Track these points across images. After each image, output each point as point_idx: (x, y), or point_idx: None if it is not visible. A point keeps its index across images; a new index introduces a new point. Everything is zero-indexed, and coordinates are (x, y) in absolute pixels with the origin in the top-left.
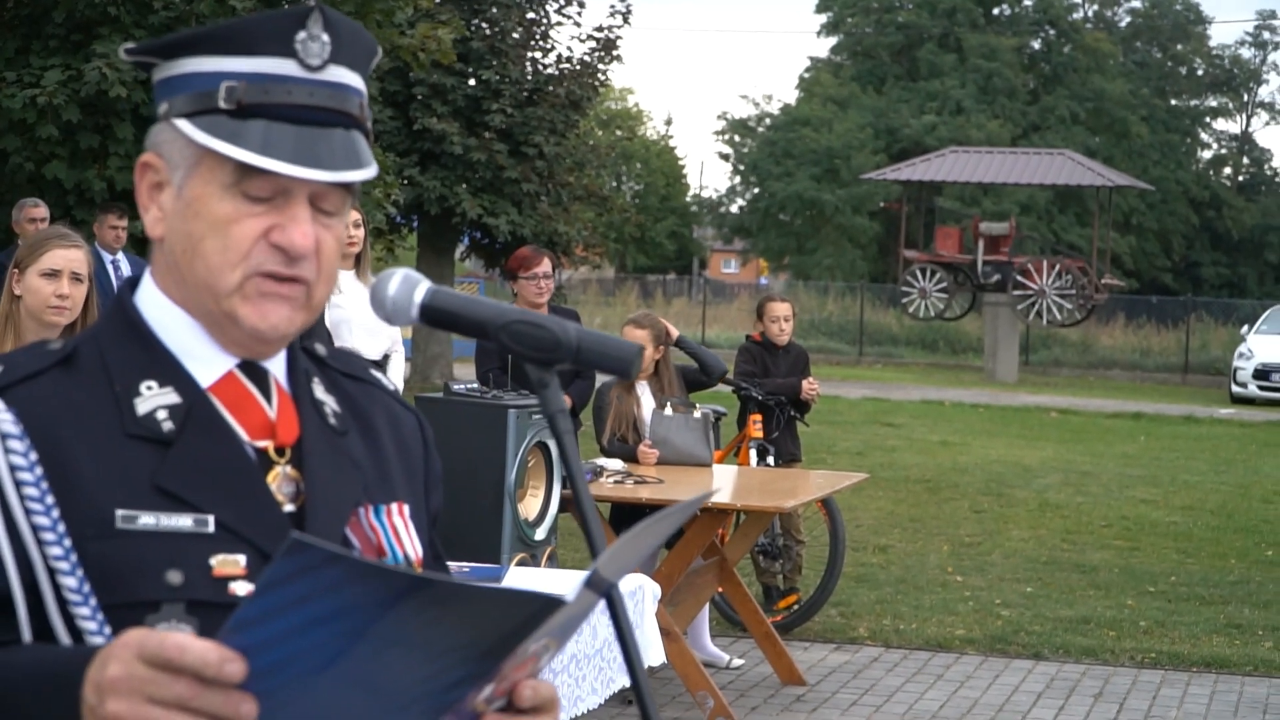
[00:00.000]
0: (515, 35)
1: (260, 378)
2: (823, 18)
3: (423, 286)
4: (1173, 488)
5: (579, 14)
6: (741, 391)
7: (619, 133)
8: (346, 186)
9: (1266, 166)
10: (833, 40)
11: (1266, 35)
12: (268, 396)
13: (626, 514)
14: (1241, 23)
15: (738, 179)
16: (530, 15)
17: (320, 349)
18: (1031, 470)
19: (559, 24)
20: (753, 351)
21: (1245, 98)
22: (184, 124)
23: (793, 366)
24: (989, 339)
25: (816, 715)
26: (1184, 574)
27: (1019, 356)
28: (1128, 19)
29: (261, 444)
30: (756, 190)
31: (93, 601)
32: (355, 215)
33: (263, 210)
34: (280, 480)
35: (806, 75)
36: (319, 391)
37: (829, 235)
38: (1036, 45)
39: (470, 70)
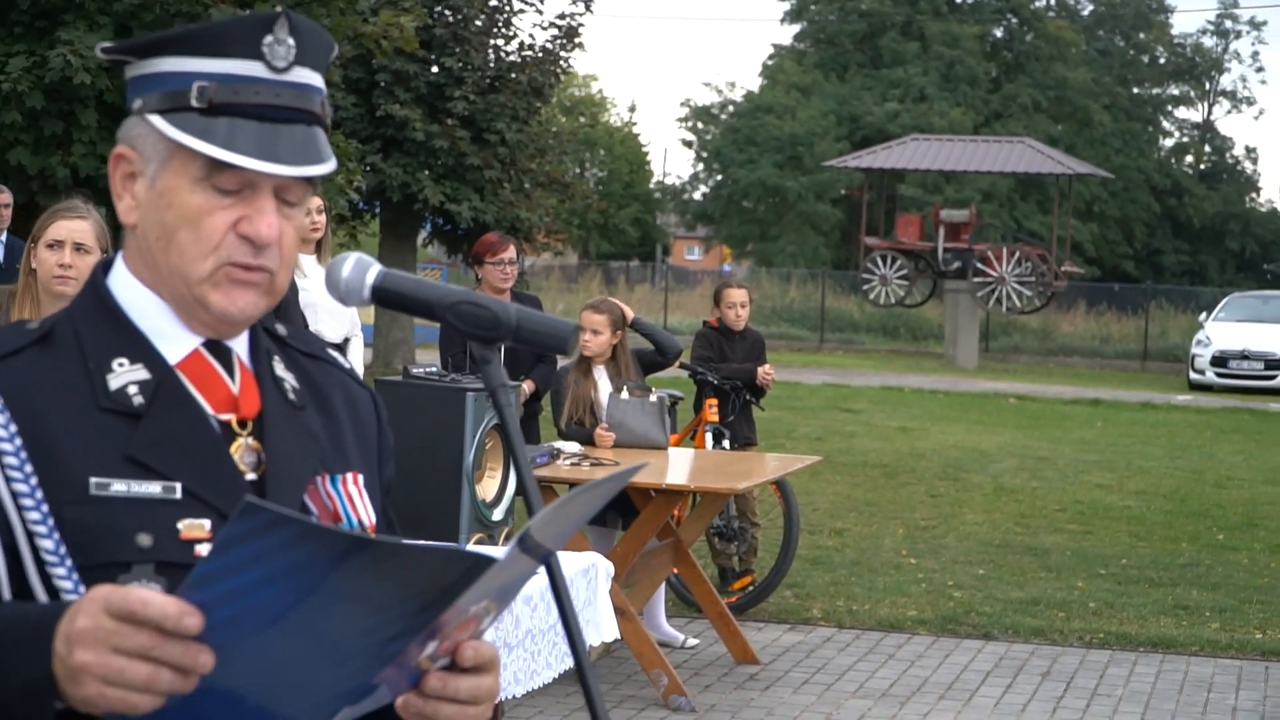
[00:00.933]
0: (478, 22)
1: (224, 355)
2: (786, 5)
3: (374, 269)
4: (1128, 473)
5: (541, 1)
6: (698, 376)
7: (582, 119)
8: (308, 179)
9: (1228, 155)
10: (796, 28)
11: (1229, 24)
12: (231, 373)
13: None
14: (1204, 11)
15: (701, 166)
16: (493, 2)
17: (281, 329)
18: (988, 455)
19: (521, 11)
20: (710, 337)
21: (1207, 86)
22: (158, 120)
23: (749, 352)
24: (949, 326)
25: (769, 694)
26: (1135, 557)
27: (979, 343)
28: (1090, 7)
29: (225, 417)
30: (720, 177)
31: (69, 563)
32: (318, 201)
33: (231, 202)
34: (243, 451)
35: (770, 63)
36: (279, 369)
37: (791, 222)
38: (999, 33)
39: (433, 57)
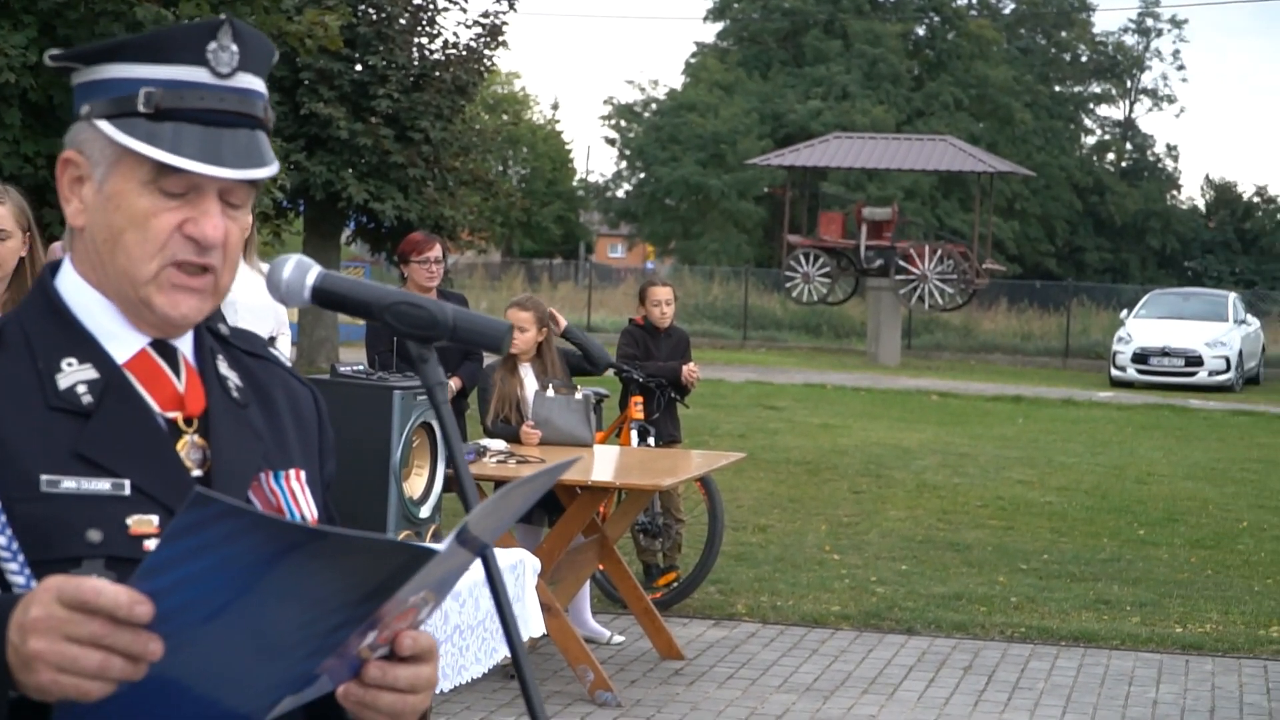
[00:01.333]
0: (402, 21)
1: (170, 355)
2: (709, 3)
3: (314, 271)
4: (1049, 469)
5: (465, 0)
6: (623, 374)
7: (505, 117)
8: (252, 182)
9: (1149, 152)
10: (719, 25)
11: (1150, 22)
12: (177, 372)
13: None
14: (1125, 10)
15: (624, 164)
16: (417, 1)
17: (223, 328)
18: (910, 452)
19: (445, 10)
20: (635, 335)
21: (1128, 84)
22: (105, 125)
23: (674, 350)
24: (872, 323)
25: (694, 689)
26: (1056, 552)
27: (901, 340)
28: (1012, 6)
29: (171, 415)
30: (643, 175)
31: (21, 558)
32: None
33: (177, 205)
34: (189, 448)
35: (693, 60)
36: (223, 367)
37: (715, 220)
38: (921, 31)
39: (357, 56)
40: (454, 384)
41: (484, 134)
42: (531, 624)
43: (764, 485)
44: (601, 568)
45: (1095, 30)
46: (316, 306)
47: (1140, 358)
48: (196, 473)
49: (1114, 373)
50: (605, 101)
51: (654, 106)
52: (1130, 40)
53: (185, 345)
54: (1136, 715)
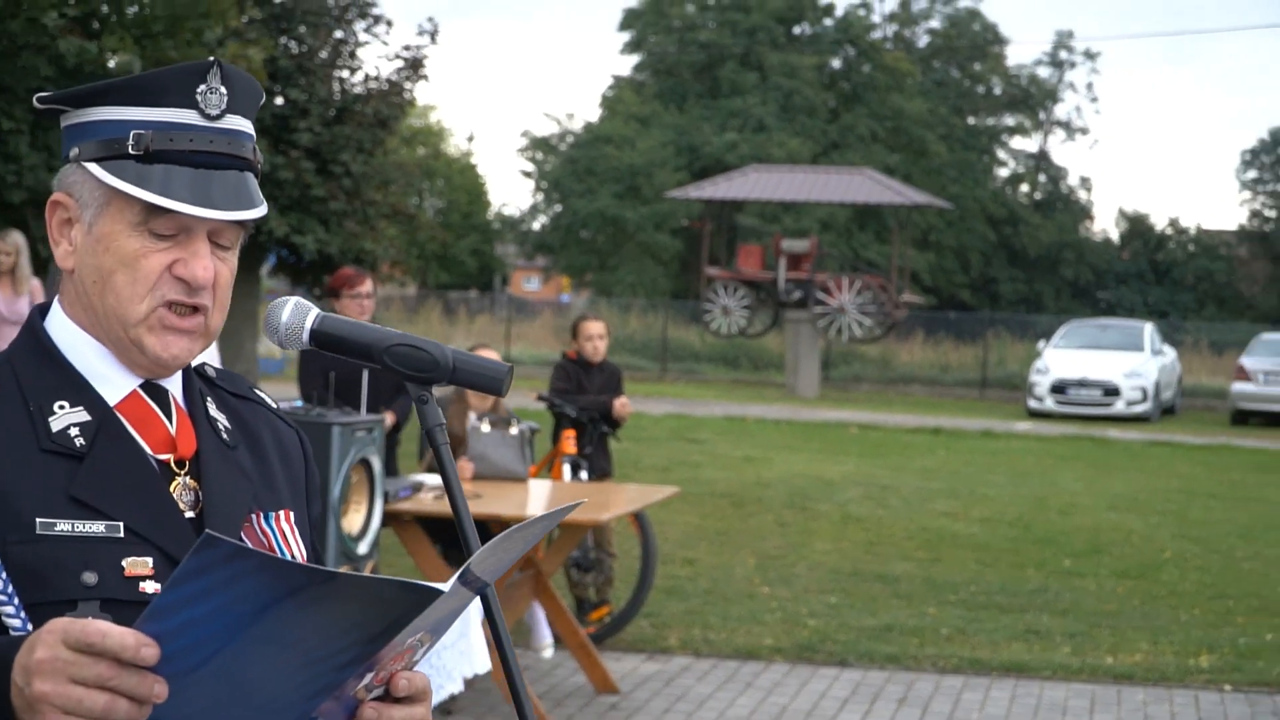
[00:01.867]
0: (323, 55)
1: (161, 397)
2: (625, 36)
3: (312, 314)
4: (972, 500)
5: (386, 33)
6: (556, 408)
7: (421, 150)
8: (240, 223)
9: (1062, 184)
10: (635, 58)
11: (1064, 54)
12: (168, 414)
13: (441, 528)
14: (1039, 43)
15: (540, 196)
16: (338, 34)
17: (210, 370)
18: (833, 484)
19: (366, 43)
20: (567, 369)
21: (1042, 116)
22: (95, 168)
23: (606, 384)
24: (790, 355)
25: None
26: (983, 583)
27: (820, 372)
28: (927, 39)
29: (163, 457)
30: (559, 208)
31: (16, 601)
32: None
33: (167, 246)
34: (181, 490)
35: (609, 93)
36: (212, 409)
37: (631, 252)
38: (837, 64)
39: (278, 89)
40: (389, 419)
41: (405, 167)
42: (477, 660)
43: (690, 518)
44: (536, 602)
45: (1009, 63)
46: (317, 349)
47: (1058, 388)
48: (189, 514)
49: (1032, 404)
50: (521, 134)
51: (570, 139)
52: (1044, 73)
53: (175, 387)
54: None
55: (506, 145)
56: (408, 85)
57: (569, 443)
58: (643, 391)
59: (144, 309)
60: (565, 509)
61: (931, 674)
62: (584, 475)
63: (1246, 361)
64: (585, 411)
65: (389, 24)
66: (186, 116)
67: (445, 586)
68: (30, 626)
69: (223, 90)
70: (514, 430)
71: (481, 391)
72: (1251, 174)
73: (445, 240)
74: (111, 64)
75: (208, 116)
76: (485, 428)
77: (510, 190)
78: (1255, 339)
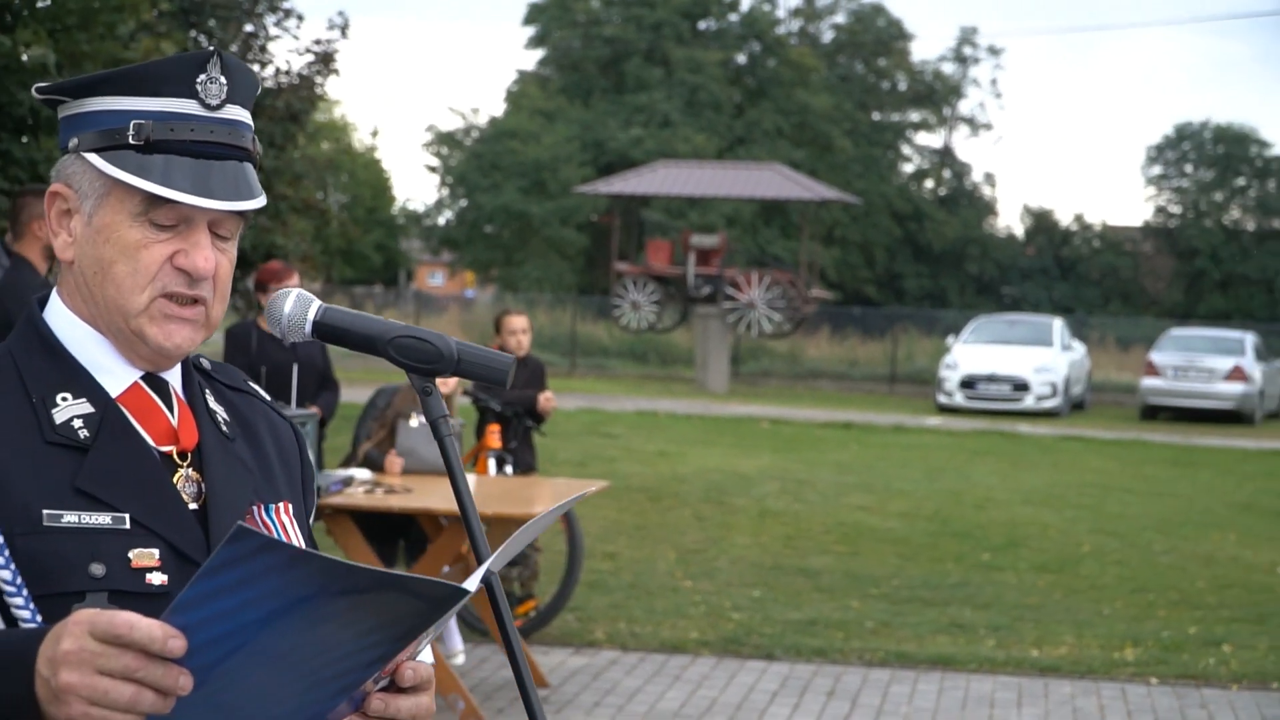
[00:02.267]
0: (233, 48)
1: (161, 388)
2: (530, 31)
3: (314, 305)
4: (887, 494)
5: (297, 27)
6: (480, 402)
7: (326, 145)
8: (241, 214)
9: (967, 180)
10: (540, 53)
11: (968, 50)
12: (169, 406)
13: (373, 521)
14: (943, 39)
15: (445, 191)
16: (248, 28)
17: (206, 363)
18: (749, 479)
19: (277, 37)
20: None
21: (947, 112)
22: (94, 158)
23: (530, 378)
24: (700, 350)
25: (561, 716)
26: (905, 577)
27: (729, 367)
28: (831, 34)
29: (166, 449)
30: (465, 203)
31: (25, 592)
32: None
33: (168, 237)
34: (184, 481)
35: (514, 88)
36: (211, 401)
37: (537, 248)
38: (742, 59)
39: None
40: (316, 415)
41: (316, 162)
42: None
43: (608, 513)
44: None
45: (914, 59)
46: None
47: (968, 383)
48: (192, 506)
49: (941, 399)
50: (426, 129)
51: (475, 134)
52: (948, 68)
53: (174, 379)
54: None
55: (411, 140)
56: (319, 79)
57: (493, 437)
58: (553, 386)
59: (144, 299)
60: (573, 500)
61: (858, 667)
62: (509, 469)
63: (1155, 357)
64: (510, 406)
65: (299, 18)
66: (187, 106)
67: (471, 585)
68: (40, 619)
69: (223, 80)
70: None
71: (486, 382)
72: (1156, 170)
73: (355, 235)
74: (25, 58)
75: (208, 106)
76: (414, 423)
77: (415, 185)
78: (1164, 334)
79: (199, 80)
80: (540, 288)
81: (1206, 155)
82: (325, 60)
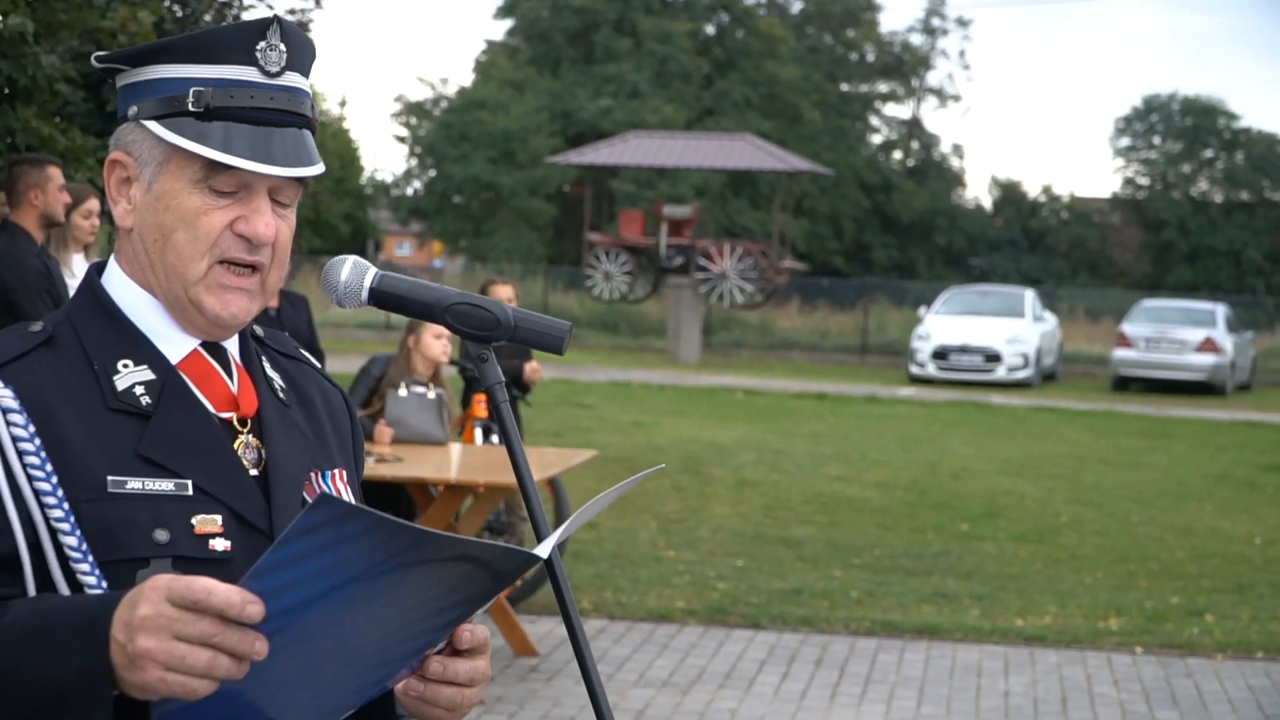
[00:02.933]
0: (207, 17)
1: (220, 355)
2: (498, 0)
3: (371, 272)
4: (864, 465)
5: None
6: (467, 372)
7: None
8: (300, 181)
9: (935, 151)
10: (509, 23)
11: (936, 22)
12: (229, 373)
13: (369, 490)
14: (911, 10)
15: (414, 161)
16: None
17: (259, 330)
18: (726, 449)
19: (251, 6)
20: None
21: (915, 83)
22: (154, 125)
23: (516, 348)
24: (672, 321)
25: (553, 685)
26: (886, 547)
27: (701, 338)
28: (800, 5)
29: (226, 415)
30: (434, 173)
31: (91, 559)
32: (95, 203)
33: (228, 203)
34: (244, 448)
35: (483, 59)
36: (267, 368)
37: (505, 218)
38: (711, 30)
39: None
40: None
41: None
42: None
43: (587, 483)
44: None
45: (882, 30)
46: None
47: (940, 354)
48: (253, 473)
49: (913, 370)
50: (395, 99)
51: (444, 104)
52: (916, 40)
53: (232, 346)
54: (990, 706)
55: (380, 110)
56: None
57: (480, 407)
58: None
59: (203, 266)
60: (644, 475)
61: (845, 636)
62: (494, 439)
63: (1127, 328)
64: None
65: None
66: (247, 74)
67: (544, 553)
68: (105, 584)
69: (282, 47)
70: (431, 394)
71: (543, 350)
72: (1125, 142)
73: (327, 205)
74: (2, 27)
75: (267, 74)
76: (403, 392)
77: (384, 155)
78: (1136, 306)
79: (258, 47)
80: (509, 258)
81: (1174, 127)
82: (302, 29)
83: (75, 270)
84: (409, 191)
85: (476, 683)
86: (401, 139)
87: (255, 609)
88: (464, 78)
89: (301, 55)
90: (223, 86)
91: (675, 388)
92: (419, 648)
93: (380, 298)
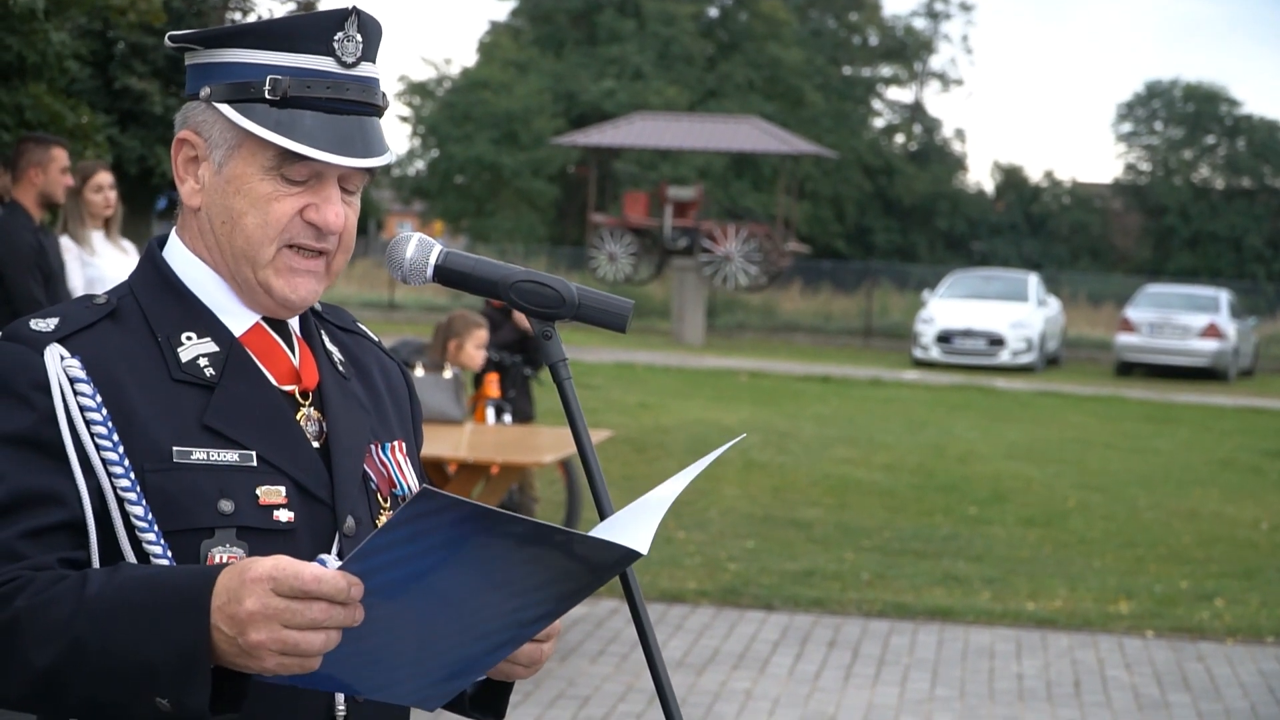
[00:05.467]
0: None
1: (281, 329)
2: None
3: (436, 249)
4: (871, 448)
5: None
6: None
7: None
8: (369, 168)
9: (937, 135)
10: (512, 4)
11: (939, 6)
12: (290, 346)
13: None
14: None
15: (417, 141)
16: None
17: (317, 305)
18: (732, 431)
19: None
20: (491, 315)
21: (918, 67)
22: (227, 109)
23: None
24: (676, 302)
25: (568, 665)
26: (895, 529)
27: (705, 320)
28: None
29: (288, 388)
30: (436, 153)
31: (156, 529)
32: (109, 178)
33: (298, 191)
34: (306, 420)
35: (486, 39)
36: (327, 342)
37: (508, 198)
38: (714, 12)
39: (171, 30)
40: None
41: None
42: None
43: None
44: None
45: (885, 13)
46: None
47: (944, 338)
48: (315, 445)
49: (917, 353)
50: (399, 79)
51: (447, 84)
52: (919, 24)
53: (293, 320)
54: (1004, 689)
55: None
56: None
57: (492, 386)
58: None
59: (272, 251)
60: (716, 454)
61: (857, 618)
62: (507, 418)
63: (1131, 313)
64: (507, 352)
65: None
66: (323, 63)
67: (645, 548)
68: (170, 555)
69: (358, 38)
70: (448, 374)
71: (606, 328)
72: (1127, 127)
73: None
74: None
75: (343, 64)
76: (419, 372)
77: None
78: (1139, 291)
79: (335, 38)
80: (511, 239)
81: (1176, 113)
82: (308, 9)
83: (97, 247)
84: (411, 171)
85: (551, 635)
86: (404, 119)
87: (358, 590)
88: (467, 58)
89: (375, 45)
90: (300, 76)
91: (680, 369)
92: (515, 637)
93: (445, 274)
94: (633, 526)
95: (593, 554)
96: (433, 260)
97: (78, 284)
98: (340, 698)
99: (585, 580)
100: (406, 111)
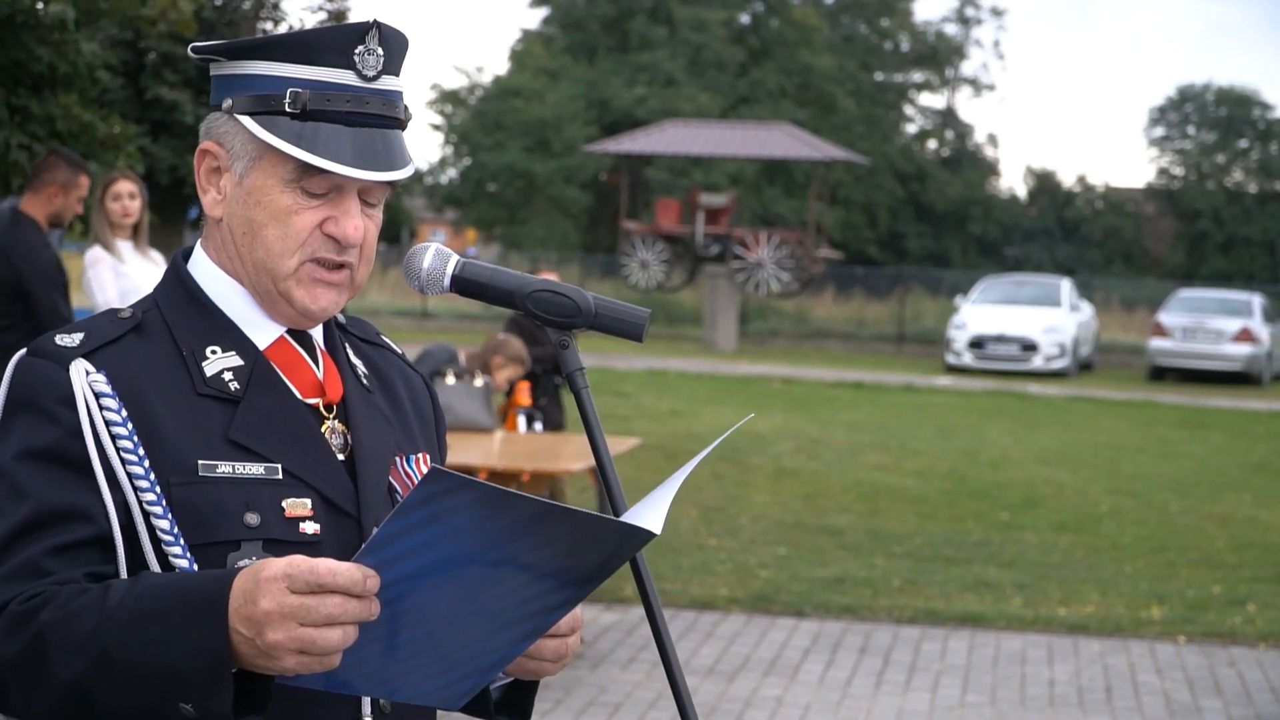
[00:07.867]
0: (246, 5)
1: (306, 342)
2: None
3: (453, 260)
4: (903, 454)
5: None
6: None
7: None
8: (389, 182)
9: (969, 140)
10: (544, 11)
11: (970, 12)
12: (314, 359)
13: None
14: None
15: (449, 149)
16: None
17: (340, 317)
18: (764, 438)
19: None
20: (520, 323)
21: (949, 73)
22: (248, 121)
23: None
24: (708, 309)
25: (598, 672)
26: (926, 536)
27: (737, 327)
28: None
29: (312, 401)
30: (468, 161)
31: (182, 542)
32: (134, 187)
33: (319, 204)
34: (330, 433)
35: (518, 47)
36: (351, 355)
37: (540, 206)
38: (746, 19)
39: (202, 41)
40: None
41: None
42: None
43: (625, 471)
44: None
45: (916, 19)
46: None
47: (977, 344)
48: (340, 457)
49: (950, 359)
50: (431, 87)
51: (479, 92)
52: (951, 29)
53: (317, 333)
54: (1035, 695)
55: (415, 98)
56: None
57: (523, 394)
58: None
59: (293, 263)
60: (724, 436)
61: (888, 624)
62: (538, 426)
63: (1164, 318)
64: (539, 363)
65: None
66: (344, 77)
67: (658, 529)
68: (196, 568)
69: (380, 52)
70: (479, 383)
71: (622, 337)
72: (1159, 132)
73: None
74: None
75: (364, 78)
76: (450, 380)
77: (419, 143)
78: (1172, 295)
79: (357, 51)
80: (543, 246)
81: (1209, 117)
82: (338, 19)
83: (124, 256)
84: (444, 179)
85: (575, 630)
86: (437, 127)
87: (374, 583)
88: (499, 66)
89: (397, 57)
90: (320, 89)
91: (712, 376)
92: (539, 625)
93: (462, 285)
94: (646, 511)
95: (607, 535)
96: (450, 270)
97: (113, 295)
98: (366, 703)
99: (601, 563)
100: (438, 120)
